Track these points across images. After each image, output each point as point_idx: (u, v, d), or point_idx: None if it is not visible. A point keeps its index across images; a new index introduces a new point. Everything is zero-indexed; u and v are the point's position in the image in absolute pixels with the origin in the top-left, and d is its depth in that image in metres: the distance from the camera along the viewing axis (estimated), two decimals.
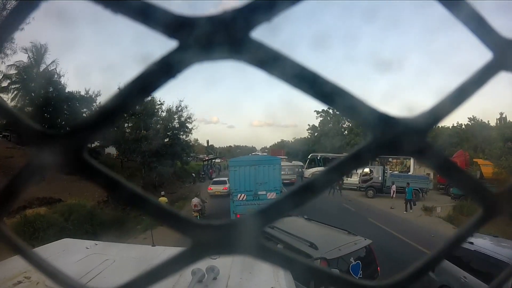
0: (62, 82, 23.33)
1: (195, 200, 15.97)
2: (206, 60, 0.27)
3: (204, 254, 0.29)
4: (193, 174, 32.04)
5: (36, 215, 12.92)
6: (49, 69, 23.84)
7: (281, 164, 20.26)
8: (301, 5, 0.27)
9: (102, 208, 16.38)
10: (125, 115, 19.68)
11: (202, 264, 2.18)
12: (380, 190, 23.01)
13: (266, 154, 49.36)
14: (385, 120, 0.28)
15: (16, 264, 2.11)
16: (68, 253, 2.70)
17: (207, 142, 62.09)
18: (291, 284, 2.41)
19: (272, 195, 14.58)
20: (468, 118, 32.93)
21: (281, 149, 53.25)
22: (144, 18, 0.27)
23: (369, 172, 23.84)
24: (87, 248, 2.87)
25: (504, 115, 30.16)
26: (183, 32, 0.27)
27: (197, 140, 61.77)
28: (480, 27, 0.28)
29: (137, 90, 0.28)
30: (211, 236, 0.28)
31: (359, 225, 14.79)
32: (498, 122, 30.95)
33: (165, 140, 24.60)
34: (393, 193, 19.85)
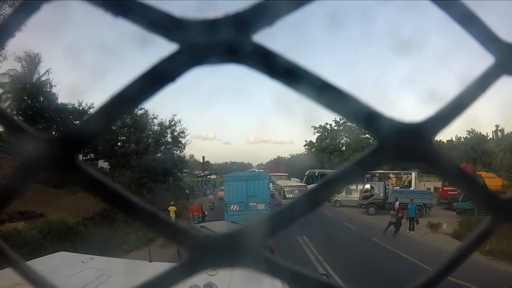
0: (55, 93, 23.22)
1: (211, 196, 24.84)
2: (206, 64, 0.27)
3: (203, 266, 0.28)
4: (187, 191, 31.05)
5: (12, 231, 12.05)
6: (43, 79, 23.84)
7: (289, 184, 19.65)
8: None
9: (86, 225, 15.50)
10: (119, 122, 19.40)
11: (200, 281, 2.18)
12: (382, 207, 22.24)
13: (262, 170, 48.08)
14: (391, 125, 0.28)
15: (10, 275, 2.05)
16: (64, 267, 2.71)
17: (203, 158, 61.15)
18: None
19: (261, 206, 16.85)
20: (467, 131, 33.08)
21: (279, 165, 50.38)
22: (144, 21, 0.27)
23: (370, 189, 23.16)
24: (83, 262, 2.86)
25: (500, 127, 30.43)
26: (183, 35, 0.26)
27: (193, 156, 61.12)
28: (481, 32, 0.29)
29: (134, 95, 0.27)
30: (210, 247, 0.28)
31: (363, 246, 13.99)
32: (494, 134, 31.22)
33: (158, 155, 23.77)
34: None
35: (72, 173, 0.27)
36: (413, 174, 26.37)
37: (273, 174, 33.29)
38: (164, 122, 25.57)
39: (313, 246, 13.67)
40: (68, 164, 0.27)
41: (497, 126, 30.68)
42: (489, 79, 0.29)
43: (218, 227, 9.54)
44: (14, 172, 0.28)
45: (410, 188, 25.40)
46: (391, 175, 29.68)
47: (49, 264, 2.70)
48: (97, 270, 2.65)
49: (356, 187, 24.05)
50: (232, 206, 17.16)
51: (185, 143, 26.81)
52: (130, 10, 0.26)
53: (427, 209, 21.24)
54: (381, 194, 22.88)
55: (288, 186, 23.85)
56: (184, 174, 32.10)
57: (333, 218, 20.65)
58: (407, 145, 0.28)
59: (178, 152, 27.01)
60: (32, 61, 23.76)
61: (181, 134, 26.28)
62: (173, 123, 25.91)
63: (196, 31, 0.26)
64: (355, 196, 24.16)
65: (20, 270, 0.31)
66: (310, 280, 0.29)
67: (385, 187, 23.28)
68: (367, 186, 23.52)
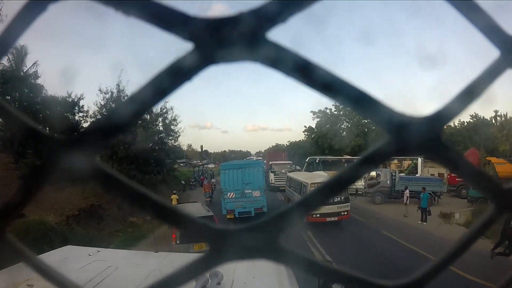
0: (43, 85, 22.41)
1: (214, 180, 26.99)
2: (222, 62, 0.28)
3: (223, 259, 0.29)
4: (182, 182, 29.83)
5: None
6: (30, 72, 23.03)
7: (317, 181, 18.23)
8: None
9: (70, 223, 14.28)
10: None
11: None
12: (389, 195, 21.01)
13: (260, 158, 46.34)
14: (401, 119, 0.29)
15: (19, 271, 2.11)
16: (71, 260, 2.78)
17: (201, 147, 60.10)
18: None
19: (256, 193, 17.57)
20: (470, 115, 32.63)
21: (281, 152, 44.57)
22: (158, 20, 0.27)
23: (375, 176, 21.91)
24: (89, 255, 2.93)
25: (499, 113, 30.64)
26: (198, 33, 0.27)
27: (191, 145, 59.85)
28: (487, 26, 0.30)
29: (152, 94, 0.28)
30: (229, 240, 0.29)
31: (374, 241, 13.02)
32: (493, 120, 31.27)
33: (149, 145, 22.33)
34: (407, 199, 17.69)
35: (92, 174, 0.28)
36: (419, 160, 25.30)
37: (274, 162, 31.50)
38: (155, 110, 24.11)
39: (319, 242, 12.94)
40: (88, 166, 0.27)
41: (496, 111, 30.26)
42: (495, 72, 0.30)
43: (189, 207, 11.45)
44: (28, 176, 0.28)
45: (416, 175, 24.27)
46: (395, 161, 28.41)
47: (56, 258, 2.77)
48: (104, 263, 2.72)
49: None
50: (229, 193, 17.85)
51: (178, 131, 25.84)
52: (142, 9, 0.26)
53: (436, 197, 20.15)
54: (388, 182, 22.13)
55: (315, 184, 15.19)
56: (181, 164, 30.74)
57: None
58: (416, 138, 0.29)
59: (172, 141, 25.78)
60: (19, 53, 23.02)
61: (173, 122, 25.14)
62: (164, 110, 25.17)
63: (211, 29, 0.26)
64: (360, 183, 22.94)
65: (32, 265, 0.32)
66: (320, 267, 0.31)
67: (391, 174, 22.22)
68: (373, 173, 22.45)
